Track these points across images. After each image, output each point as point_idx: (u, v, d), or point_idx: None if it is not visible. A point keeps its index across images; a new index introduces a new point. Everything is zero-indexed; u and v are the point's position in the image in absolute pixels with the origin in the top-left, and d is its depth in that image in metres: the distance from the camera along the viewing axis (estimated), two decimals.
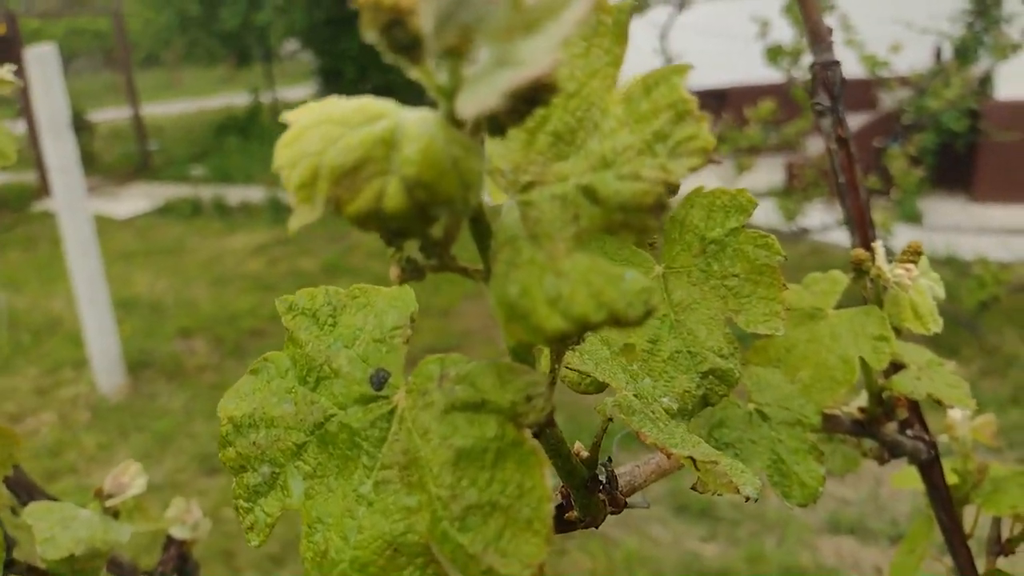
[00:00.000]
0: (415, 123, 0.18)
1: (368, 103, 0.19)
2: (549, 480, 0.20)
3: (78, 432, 3.94)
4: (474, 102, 0.17)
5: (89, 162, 6.77)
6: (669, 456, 0.25)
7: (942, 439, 0.77)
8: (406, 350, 0.24)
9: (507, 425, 0.20)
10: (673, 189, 0.18)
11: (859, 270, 0.45)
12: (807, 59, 4.24)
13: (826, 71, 0.55)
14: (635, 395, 0.29)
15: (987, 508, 0.71)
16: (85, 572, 0.60)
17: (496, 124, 0.18)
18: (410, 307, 0.25)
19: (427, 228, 0.18)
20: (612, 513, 0.31)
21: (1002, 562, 0.75)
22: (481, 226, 0.21)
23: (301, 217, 0.18)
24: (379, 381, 0.24)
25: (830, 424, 0.51)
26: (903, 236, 4.72)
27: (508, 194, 0.21)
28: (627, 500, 0.35)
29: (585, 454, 0.29)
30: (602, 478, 0.32)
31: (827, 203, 4.38)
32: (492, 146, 0.22)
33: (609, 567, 2.93)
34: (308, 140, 0.18)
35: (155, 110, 11.69)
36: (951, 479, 0.74)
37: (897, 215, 4.76)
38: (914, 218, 5.10)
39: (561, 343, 0.24)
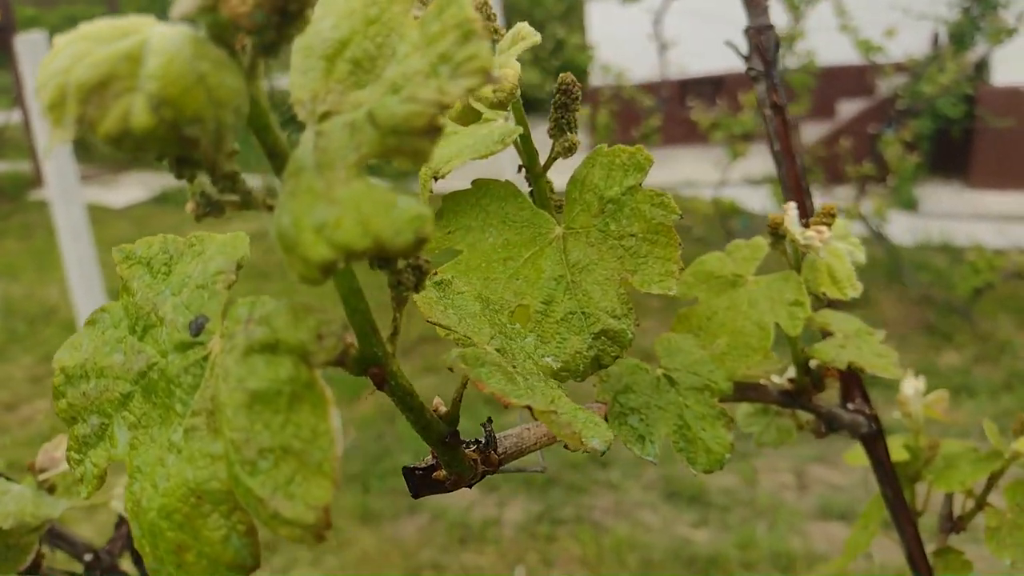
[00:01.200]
0: (162, 38, 0.17)
1: (128, 20, 0.18)
2: (336, 421, 0.19)
3: None
4: (182, 3, 0.16)
5: (85, 151, 6.76)
6: (507, 406, 0.24)
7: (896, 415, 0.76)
8: (227, 295, 0.24)
9: (301, 366, 0.20)
10: (446, 109, 0.17)
11: (776, 234, 0.44)
12: (802, 45, 4.15)
13: (760, 35, 0.54)
14: (498, 350, 0.29)
15: (938, 485, 0.71)
16: (19, 547, 0.60)
17: (263, 42, 0.17)
18: (239, 253, 0.24)
19: (185, 149, 0.17)
20: (487, 473, 0.31)
21: (954, 539, 0.74)
22: (278, 160, 0.20)
23: (53, 138, 0.17)
24: (197, 327, 0.23)
25: (757, 394, 0.50)
26: (899, 223, 4.69)
27: (308, 124, 0.20)
28: (513, 462, 0.34)
29: (444, 409, 0.28)
30: (480, 438, 0.31)
31: (823, 190, 4.35)
32: (294, 76, 0.21)
33: (599, 553, 2.93)
34: (59, 58, 0.17)
35: None
36: (902, 456, 0.73)
37: (893, 202, 4.74)
38: (910, 205, 5.08)
39: (398, 275, 0.23)
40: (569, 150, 0.38)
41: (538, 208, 0.39)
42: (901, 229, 4.60)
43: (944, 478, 0.70)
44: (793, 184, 0.57)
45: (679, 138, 6.18)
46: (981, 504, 0.70)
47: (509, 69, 0.32)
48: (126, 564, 0.82)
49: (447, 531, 3.05)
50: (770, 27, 0.54)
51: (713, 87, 6.08)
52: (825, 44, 4.36)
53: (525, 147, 0.38)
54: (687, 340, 0.43)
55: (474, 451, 0.30)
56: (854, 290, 0.42)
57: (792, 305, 0.43)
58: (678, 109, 4.64)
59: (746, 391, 0.49)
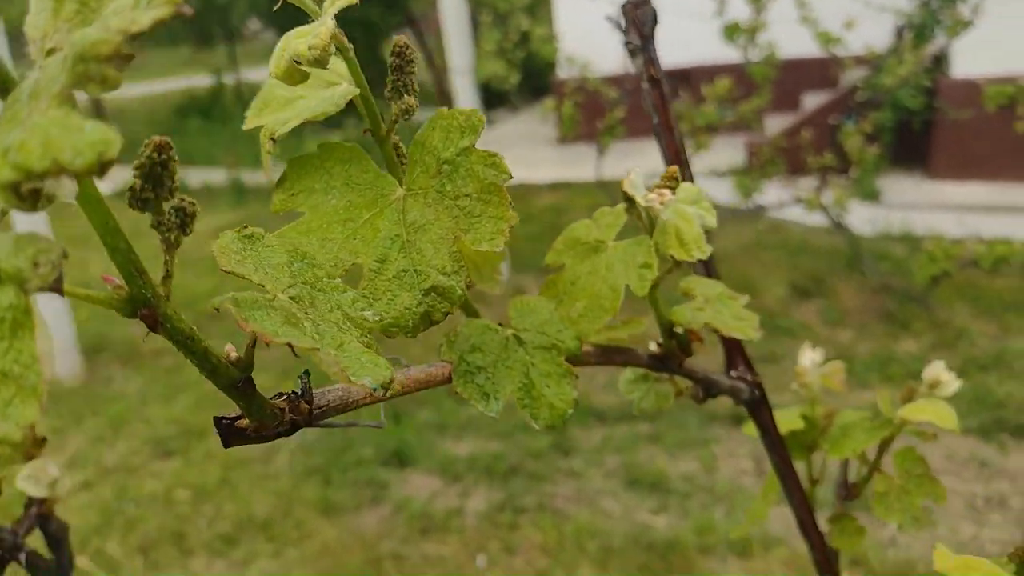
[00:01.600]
0: None
1: None
2: (42, 345, 0.20)
3: None
4: None
5: None
6: (268, 344, 0.25)
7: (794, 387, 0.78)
8: None
9: (21, 293, 0.20)
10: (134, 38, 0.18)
11: (628, 200, 0.45)
12: (764, 36, 4.18)
13: (636, 10, 0.55)
14: (294, 298, 0.29)
15: (832, 452, 0.73)
16: None
17: None
18: None
19: None
20: (298, 423, 0.31)
21: (857, 508, 0.76)
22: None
23: None
24: None
25: (625, 358, 0.51)
26: (860, 213, 4.76)
27: (36, 62, 0.21)
28: (346, 416, 0.35)
29: (235, 355, 0.29)
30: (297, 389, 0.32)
31: (785, 181, 4.41)
32: (29, 18, 0.22)
33: (560, 541, 2.95)
34: None
35: (116, 92, 11.50)
36: (799, 425, 0.75)
37: (856, 192, 4.80)
38: (872, 195, 5.15)
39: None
40: (407, 112, 0.39)
41: (382, 171, 0.40)
42: (862, 220, 4.67)
43: (839, 446, 0.72)
44: (672, 156, 0.58)
45: (646, 130, 6.18)
46: (874, 471, 0.72)
47: (323, 27, 0.32)
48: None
49: (408, 522, 3.06)
50: (647, 1, 0.55)
51: (680, 80, 6.12)
52: (789, 37, 4.41)
53: (367, 110, 0.39)
54: (540, 302, 0.44)
55: (282, 400, 0.30)
56: (701, 252, 0.44)
57: (641, 267, 0.44)
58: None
59: (612, 355, 0.50)
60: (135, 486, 3.39)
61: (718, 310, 0.49)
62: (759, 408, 0.63)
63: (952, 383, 0.70)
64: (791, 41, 4.56)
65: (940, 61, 5.21)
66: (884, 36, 4.73)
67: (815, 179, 4.18)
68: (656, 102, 0.57)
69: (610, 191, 5.08)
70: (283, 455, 3.58)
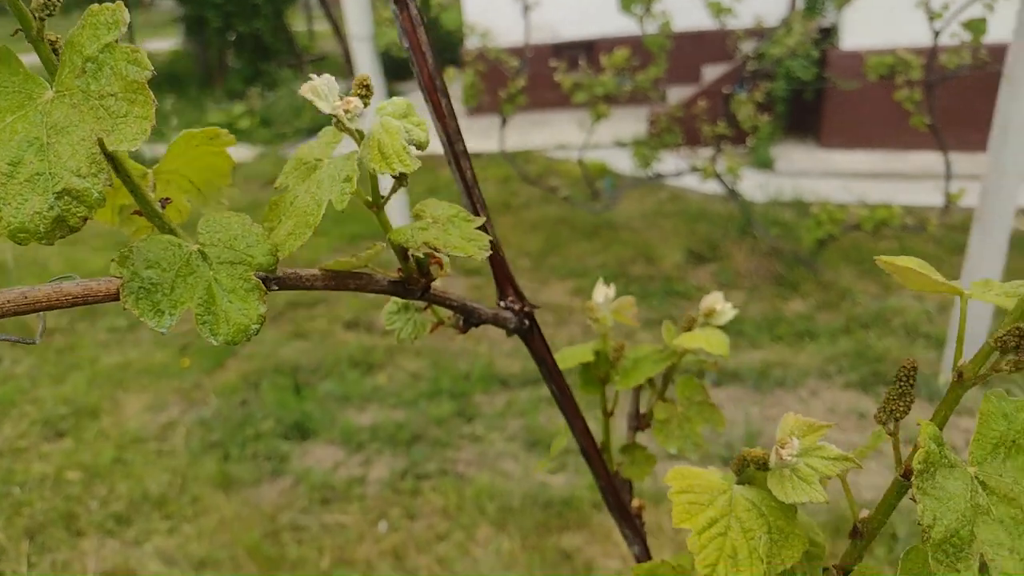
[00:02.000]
0: None
1: None
2: None
3: None
4: None
5: None
6: None
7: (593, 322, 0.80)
8: None
9: None
10: None
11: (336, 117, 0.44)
12: (661, 7, 4.21)
13: None
14: None
15: (621, 384, 0.75)
16: None
17: None
18: None
19: None
20: None
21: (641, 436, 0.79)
22: None
23: None
24: None
25: (362, 283, 0.51)
26: (754, 180, 4.92)
27: None
28: None
29: None
30: None
31: (686, 150, 4.50)
32: None
33: (460, 504, 2.98)
34: None
35: None
36: (590, 358, 0.77)
37: (751, 161, 4.95)
38: (767, 164, 5.33)
39: None
40: (46, 7, 0.37)
41: (32, 73, 0.38)
42: (755, 186, 4.82)
43: (627, 377, 0.74)
44: (427, 82, 0.57)
45: (553, 102, 6.23)
46: (658, 399, 0.75)
47: None
48: None
49: (309, 493, 3.03)
50: None
51: (586, 52, 6.16)
52: (689, 9, 4.48)
53: (14, 8, 0.37)
54: (233, 218, 0.43)
55: None
56: (403, 166, 0.43)
57: (344, 181, 0.44)
58: (550, 73, 4.68)
59: (346, 280, 0.50)
60: (22, 469, 3.24)
61: (446, 230, 0.49)
62: (531, 338, 0.64)
63: (727, 312, 0.73)
64: (691, 14, 4.64)
65: (830, 33, 5.39)
66: (778, 8, 4.86)
67: (712, 148, 4.28)
68: (405, 25, 0.56)
69: (516, 162, 5.09)
70: (180, 432, 3.48)
